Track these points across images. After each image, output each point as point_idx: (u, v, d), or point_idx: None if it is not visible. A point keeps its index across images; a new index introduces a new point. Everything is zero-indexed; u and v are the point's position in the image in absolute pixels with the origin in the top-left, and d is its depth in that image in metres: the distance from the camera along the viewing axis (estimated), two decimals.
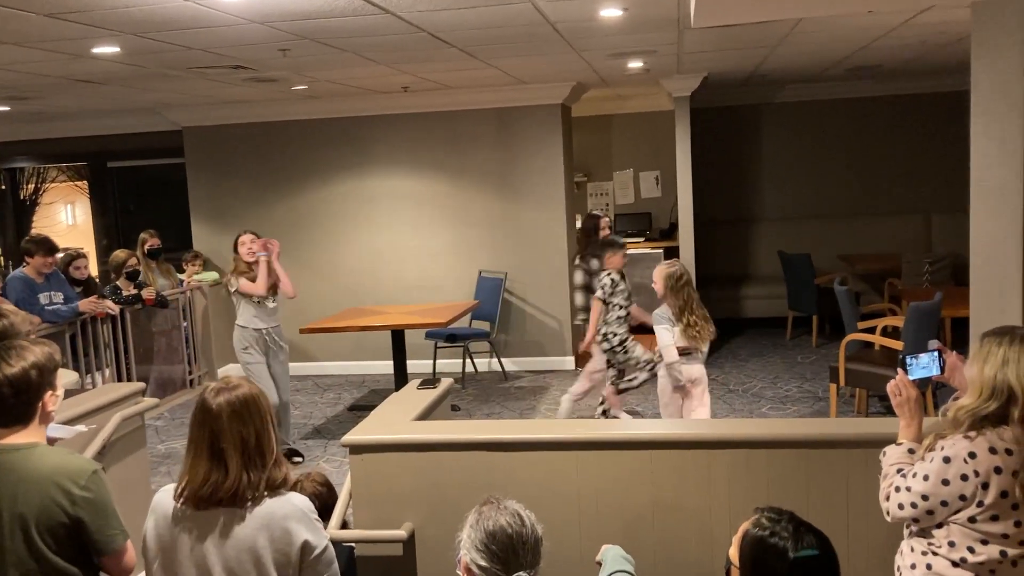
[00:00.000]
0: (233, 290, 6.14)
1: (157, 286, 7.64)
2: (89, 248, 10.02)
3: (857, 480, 2.82)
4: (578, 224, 10.29)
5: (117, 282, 7.27)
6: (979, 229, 3.34)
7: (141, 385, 4.40)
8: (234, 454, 2.22)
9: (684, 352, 4.88)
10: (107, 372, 6.95)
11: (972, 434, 2.26)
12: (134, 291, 7.28)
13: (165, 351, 7.93)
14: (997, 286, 3.16)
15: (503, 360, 8.52)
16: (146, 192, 10.60)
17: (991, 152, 3.19)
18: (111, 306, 6.90)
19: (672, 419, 5.00)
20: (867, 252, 9.89)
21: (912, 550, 2.40)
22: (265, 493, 2.25)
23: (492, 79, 7.54)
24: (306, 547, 2.25)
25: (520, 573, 1.94)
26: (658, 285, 4.90)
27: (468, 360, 8.47)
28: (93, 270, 8.70)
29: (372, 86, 7.71)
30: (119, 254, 7.38)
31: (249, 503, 2.24)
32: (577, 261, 6.52)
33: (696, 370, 4.96)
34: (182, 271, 8.65)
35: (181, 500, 2.27)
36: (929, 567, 2.33)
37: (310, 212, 8.91)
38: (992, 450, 2.22)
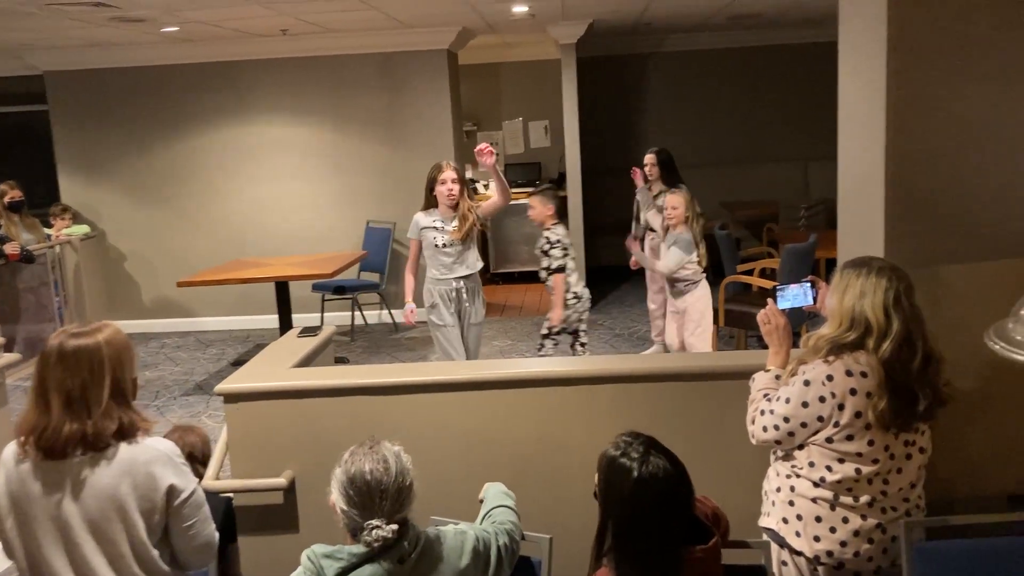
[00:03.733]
0: (434, 222, 4.90)
1: (21, 240, 7.19)
2: None
3: (732, 411, 2.89)
4: (468, 174, 10.23)
5: None
6: (845, 167, 3.44)
7: None
8: (56, 400, 2.15)
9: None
10: None
11: (831, 358, 2.35)
12: None
13: (34, 309, 7.51)
14: (863, 222, 3.26)
15: (393, 312, 8.44)
16: (7, 142, 9.92)
17: (857, 89, 3.27)
18: None
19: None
20: (747, 199, 10.18)
21: (777, 474, 2.49)
22: (111, 442, 2.17)
23: (375, 22, 7.33)
24: (172, 491, 2.19)
25: (373, 521, 1.89)
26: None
27: (357, 312, 8.35)
28: None
29: (248, 28, 7.39)
30: None
31: (88, 451, 2.16)
32: (660, 190, 6.46)
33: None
34: (49, 226, 8.19)
35: (24, 448, 2.17)
36: (792, 488, 2.43)
37: (188, 162, 8.54)
38: (848, 373, 2.32)
